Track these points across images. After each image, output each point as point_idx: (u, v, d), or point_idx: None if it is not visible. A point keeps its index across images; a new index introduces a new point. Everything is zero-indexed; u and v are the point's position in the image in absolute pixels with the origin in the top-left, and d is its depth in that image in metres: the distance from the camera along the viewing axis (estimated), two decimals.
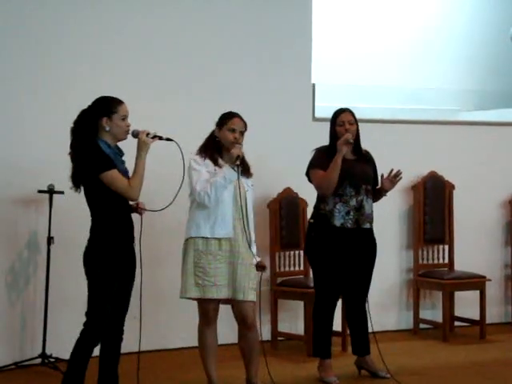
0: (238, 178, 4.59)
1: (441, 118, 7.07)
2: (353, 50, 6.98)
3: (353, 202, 5.13)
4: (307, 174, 5.23)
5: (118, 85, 5.62)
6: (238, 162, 4.56)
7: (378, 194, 5.32)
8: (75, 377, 4.17)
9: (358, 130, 5.19)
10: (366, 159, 5.28)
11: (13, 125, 5.47)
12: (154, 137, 4.30)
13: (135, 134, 4.28)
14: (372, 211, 5.21)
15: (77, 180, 4.21)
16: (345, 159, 5.06)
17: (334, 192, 5.09)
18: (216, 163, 4.65)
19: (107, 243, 4.17)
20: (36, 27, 5.59)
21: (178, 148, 4.33)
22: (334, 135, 5.16)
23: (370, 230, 5.23)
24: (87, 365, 4.20)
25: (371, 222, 5.21)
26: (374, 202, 5.28)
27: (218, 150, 4.70)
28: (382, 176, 5.26)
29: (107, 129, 4.18)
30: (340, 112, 5.18)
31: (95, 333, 4.16)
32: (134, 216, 4.37)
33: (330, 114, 5.48)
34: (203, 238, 4.59)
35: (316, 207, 5.22)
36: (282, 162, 6.27)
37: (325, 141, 5.30)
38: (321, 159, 5.14)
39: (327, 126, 5.30)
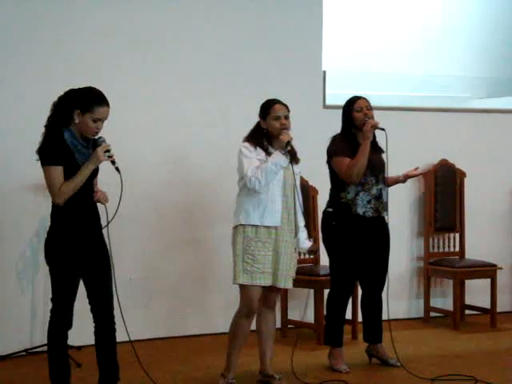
0: (292, 163, 4.62)
1: (452, 106, 7.04)
2: (364, 37, 6.94)
3: (374, 191, 5.12)
4: (329, 162, 5.19)
5: (132, 71, 5.67)
6: (288, 148, 4.60)
7: (392, 181, 5.32)
8: (58, 365, 4.16)
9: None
10: (379, 148, 5.26)
11: (22, 113, 5.46)
12: (110, 157, 4.12)
13: (98, 143, 4.11)
14: (388, 199, 5.21)
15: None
16: None
17: None
18: (267, 152, 4.66)
19: (62, 229, 4.10)
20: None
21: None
22: (351, 122, 5.13)
23: (384, 218, 5.23)
24: (66, 351, 4.20)
25: (387, 210, 5.21)
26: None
27: (267, 140, 4.70)
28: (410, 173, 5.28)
29: (76, 121, 4.07)
30: (356, 99, 5.17)
31: (61, 318, 4.13)
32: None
33: (340, 102, 5.44)
34: (252, 225, 4.62)
35: (334, 196, 5.19)
36: None
37: (336, 128, 5.27)
38: (343, 147, 5.11)
39: (338, 113, 5.27)
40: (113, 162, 4.16)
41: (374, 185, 5.13)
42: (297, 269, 6.08)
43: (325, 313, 5.61)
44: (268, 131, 4.71)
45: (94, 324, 4.26)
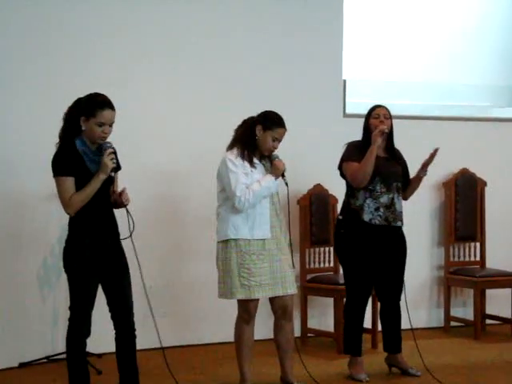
0: (288, 192, 4.66)
1: (473, 115, 7.01)
2: (384, 46, 6.93)
3: (383, 199, 5.11)
4: (340, 167, 5.22)
5: (136, 80, 5.72)
6: (285, 180, 4.66)
7: (416, 180, 5.29)
8: (78, 374, 4.17)
9: (392, 127, 5.17)
10: (398, 158, 5.27)
11: (45, 121, 5.50)
12: (115, 168, 4.13)
13: (103, 148, 4.09)
14: (402, 209, 5.19)
15: None
16: (377, 156, 5.05)
17: (365, 187, 5.08)
18: (251, 163, 4.65)
19: (80, 238, 4.12)
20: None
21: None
22: (368, 129, 5.15)
23: (400, 228, 5.21)
24: (85, 358, 4.21)
25: (402, 220, 5.19)
26: (411, 192, 5.32)
27: (253, 148, 4.68)
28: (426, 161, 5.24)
29: (83, 128, 4.10)
30: (376, 106, 5.21)
31: (79, 327, 4.15)
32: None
33: (360, 110, 5.45)
34: (244, 239, 4.60)
35: (346, 203, 5.21)
36: (312, 159, 6.25)
37: (356, 137, 5.28)
38: (354, 152, 5.14)
39: (358, 122, 5.28)
40: (115, 169, 4.14)
41: (385, 193, 5.12)
42: (316, 278, 6.16)
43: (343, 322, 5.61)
44: (257, 139, 4.68)
45: (114, 331, 4.28)
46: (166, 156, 5.95)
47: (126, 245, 4.28)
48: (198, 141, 5.98)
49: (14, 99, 5.49)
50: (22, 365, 5.44)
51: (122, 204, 4.22)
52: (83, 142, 4.12)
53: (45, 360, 5.49)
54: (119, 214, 4.28)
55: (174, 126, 5.97)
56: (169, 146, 5.94)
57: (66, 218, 5.58)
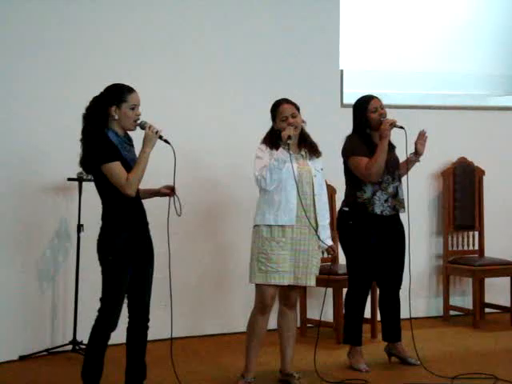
0: (291, 160, 4.57)
1: (470, 104, 7.02)
2: (381, 36, 6.92)
3: (390, 189, 5.13)
4: (345, 162, 5.18)
5: (146, 73, 5.69)
6: (288, 142, 4.59)
7: (407, 164, 5.26)
8: (94, 364, 4.18)
9: None
10: (392, 146, 5.25)
11: (41, 114, 5.49)
12: (157, 133, 4.20)
13: (142, 126, 4.20)
14: (404, 196, 5.20)
15: (85, 167, 4.21)
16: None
17: None
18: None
19: (117, 230, 4.15)
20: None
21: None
22: (366, 122, 5.12)
23: (399, 216, 5.23)
24: (105, 351, 4.21)
25: (404, 207, 5.21)
26: (405, 173, 5.25)
27: (279, 138, 4.70)
28: (416, 144, 5.22)
29: (116, 117, 4.14)
30: (370, 98, 5.16)
31: (109, 319, 4.16)
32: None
33: None
34: (267, 225, 4.65)
35: (351, 196, 5.17)
36: None
37: None
38: (359, 146, 5.11)
39: None
40: (160, 137, 4.23)
41: (391, 183, 5.13)
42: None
43: (343, 312, 5.62)
44: (281, 132, 4.71)
45: (128, 320, 4.29)
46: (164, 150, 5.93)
47: None
48: (197, 139, 5.98)
49: (14, 93, 5.48)
50: (22, 358, 5.44)
51: (163, 195, 4.38)
52: (115, 133, 4.16)
53: (45, 353, 5.49)
54: None
55: (172, 126, 5.93)
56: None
57: (64, 211, 5.63)
